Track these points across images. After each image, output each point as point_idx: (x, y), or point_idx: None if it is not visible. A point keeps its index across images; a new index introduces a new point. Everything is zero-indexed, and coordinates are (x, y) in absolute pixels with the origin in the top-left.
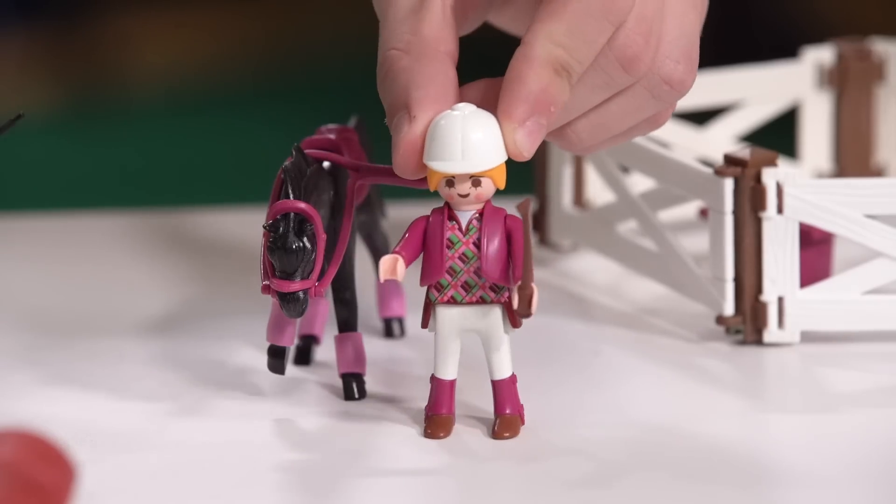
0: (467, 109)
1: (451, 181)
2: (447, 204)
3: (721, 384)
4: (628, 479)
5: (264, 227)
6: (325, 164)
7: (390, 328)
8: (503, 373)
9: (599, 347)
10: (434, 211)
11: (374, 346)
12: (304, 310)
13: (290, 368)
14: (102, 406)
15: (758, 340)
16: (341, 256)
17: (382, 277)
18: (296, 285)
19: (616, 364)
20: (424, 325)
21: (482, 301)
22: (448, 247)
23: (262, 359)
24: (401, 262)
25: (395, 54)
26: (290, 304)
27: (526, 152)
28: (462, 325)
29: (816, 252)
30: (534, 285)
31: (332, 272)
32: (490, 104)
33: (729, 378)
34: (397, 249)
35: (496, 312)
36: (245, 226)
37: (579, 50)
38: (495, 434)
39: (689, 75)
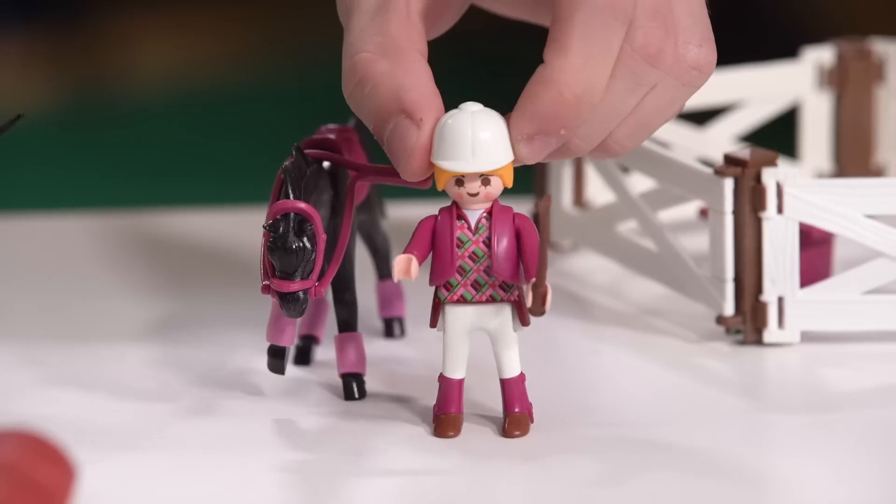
0: (474, 107)
1: (460, 180)
2: (455, 203)
3: (721, 384)
4: (628, 479)
5: (264, 227)
6: (325, 164)
7: (390, 328)
8: (512, 371)
9: (599, 347)
10: (442, 210)
11: (374, 346)
12: (304, 310)
13: (290, 368)
14: (102, 406)
15: (758, 340)
16: (341, 256)
17: (396, 277)
18: (296, 285)
19: (616, 364)
20: (433, 324)
21: (492, 300)
22: (458, 246)
23: (262, 359)
24: (415, 262)
25: (366, 57)
26: (290, 304)
27: (527, 161)
28: (471, 324)
29: (816, 252)
30: (548, 283)
31: (331, 272)
32: None
33: (729, 378)
34: (409, 249)
35: (506, 311)
36: (245, 226)
37: (597, 65)
38: (506, 433)
39: (713, 55)
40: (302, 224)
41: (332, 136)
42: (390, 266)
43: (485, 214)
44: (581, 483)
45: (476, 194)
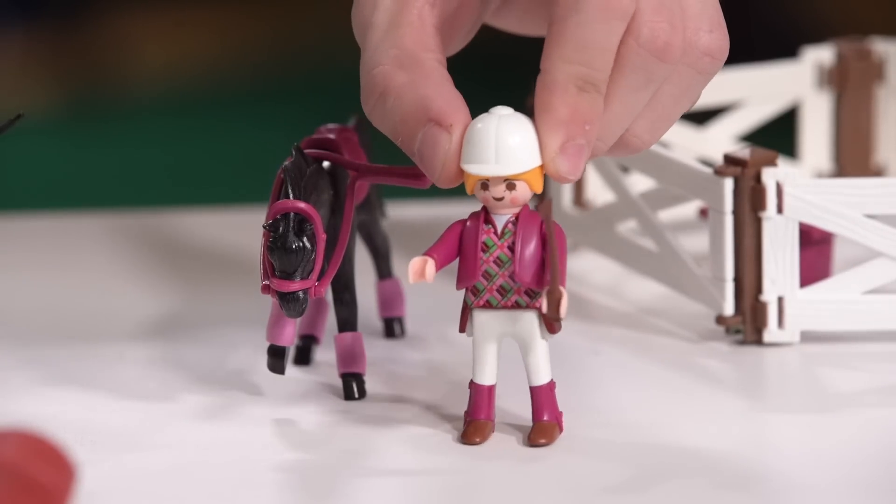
0: (503, 111)
1: (486, 184)
2: (485, 207)
3: (721, 384)
4: (628, 479)
5: (264, 227)
6: (325, 163)
7: (390, 328)
8: (540, 379)
9: (599, 347)
10: (472, 214)
11: (374, 346)
12: (303, 309)
13: (290, 368)
14: (102, 406)
15: (758, 340)
16: (341, 256)
17: (411, 279)
18: (295, 285)
19: (616, 364)
20: (462, 329)
21: (517, 306)
22: (483, 250)
23: (262, 359)
24: (430, 264)
25: (385, 71)
26: (290, 303)
27: (571, 176)
28: (499, 330)
29: (816, 252)
30: (563, 289)
31: (331, 272)
32: None
33: (729, 378)
34: (429, 251)
35: (531, 317)
36: (244, 226)
37: (595, 59)
38: (530, 440)
39: (725, 40)
40: (302, 224)
41: (331, 136)
42: (390, 266)
43: (512, 219)
44: (581, 483)
45: (501, 199)
